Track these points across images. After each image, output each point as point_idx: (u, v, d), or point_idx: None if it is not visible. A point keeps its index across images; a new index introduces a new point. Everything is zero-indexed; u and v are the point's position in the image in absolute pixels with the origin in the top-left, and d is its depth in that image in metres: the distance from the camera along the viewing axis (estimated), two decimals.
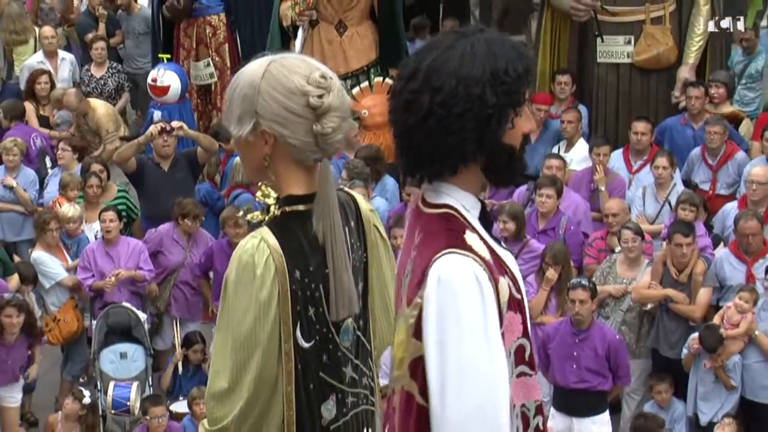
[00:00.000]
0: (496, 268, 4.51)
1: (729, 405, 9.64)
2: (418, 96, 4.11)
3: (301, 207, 4.71)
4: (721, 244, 10.49)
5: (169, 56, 13.19)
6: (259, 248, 4.69)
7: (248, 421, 4.73)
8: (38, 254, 11.22)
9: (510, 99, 4.30)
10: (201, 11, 13.16)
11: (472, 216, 4.57)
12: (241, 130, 4.61)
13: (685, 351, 9.79)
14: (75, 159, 12.21)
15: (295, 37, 12.30)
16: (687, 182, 11.37)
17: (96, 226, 11.42)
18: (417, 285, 4.30)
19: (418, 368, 4.34)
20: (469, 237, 4.58)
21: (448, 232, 4.74)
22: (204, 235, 11.15)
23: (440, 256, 4.27)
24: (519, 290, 4.68)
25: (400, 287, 4.53)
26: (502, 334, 4.51)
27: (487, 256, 4.53)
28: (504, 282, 4.52)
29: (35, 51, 15.23)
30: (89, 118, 12.93)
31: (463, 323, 4.37)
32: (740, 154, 11.38)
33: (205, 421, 4.84)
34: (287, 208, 4.76)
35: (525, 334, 4.59)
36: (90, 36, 14.70)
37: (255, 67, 4.69)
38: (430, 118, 4.13)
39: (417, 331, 4.30)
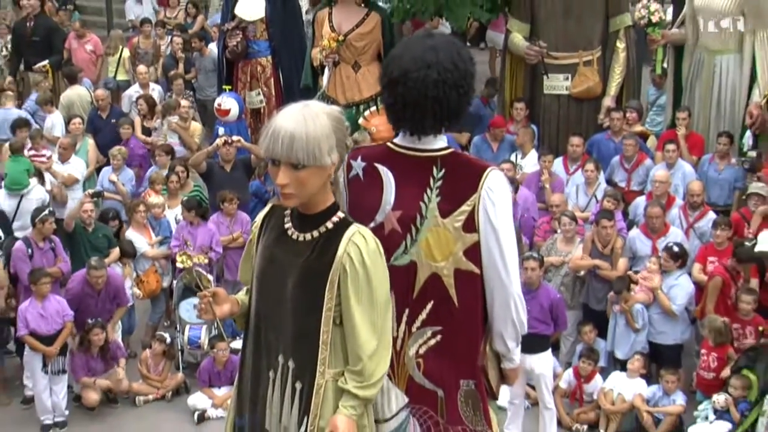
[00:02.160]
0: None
1: (638, 345, 9.55)
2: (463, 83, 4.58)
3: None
4: (634, 226, 10.34)
5: (230, 87, 13.07)
6: (373, 237, 4.60)
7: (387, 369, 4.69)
8: (129, 233, 11.08)
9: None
10: (253, 54, 13.00)
11: None
12: (332, 158, 4.47)
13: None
14: (168, 159, 11.98)
15: (323, 74, 12.24)
16: (609, 181, 11.26)
17: (175, 212, 11.27)
18: (462, 196, 4.59)
19: (473, 252, 4.62)
20: None
21: (476, 158, 5.62)
22: (241, 215, 11.06)
23: (491, 171, 4.61)
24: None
25: (410, 218, 4.69)
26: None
27: None
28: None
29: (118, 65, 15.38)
30: (189, 131, 12.81)
31: (510, 218, 4.79)
32: (648, 161, 11.28)
33: (353, 386, 4.61)
34: (341, 214, 4.69)
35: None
36: (172, 72, 14.58)
37: (317, 110, 4.54)
38: (464, 97, 4.62)
39: (467, 227, 4.59)
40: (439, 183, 4.67)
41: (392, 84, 4.67)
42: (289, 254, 4.75)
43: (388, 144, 4.86)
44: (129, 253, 10.67)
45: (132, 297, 10.58)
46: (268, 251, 4.84)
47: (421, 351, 4.81)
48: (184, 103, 12.58)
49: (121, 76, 15.60)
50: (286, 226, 4.80)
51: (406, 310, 4.78)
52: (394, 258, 4.75)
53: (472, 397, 4.89)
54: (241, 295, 4.99)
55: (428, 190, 4.68)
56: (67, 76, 13.97)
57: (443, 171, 4.68)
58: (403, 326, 4.80)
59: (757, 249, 9.36)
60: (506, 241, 4.66)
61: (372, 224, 4.80)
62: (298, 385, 4.72)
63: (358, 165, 4.84)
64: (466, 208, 4.62)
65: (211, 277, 10.51)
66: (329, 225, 4.68)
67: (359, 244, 4.61)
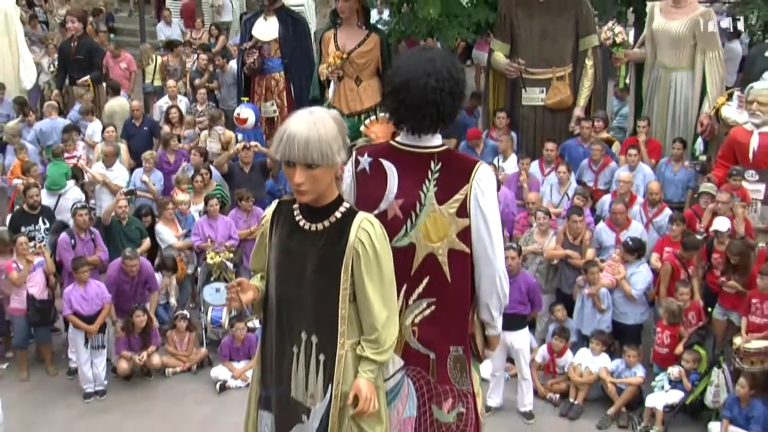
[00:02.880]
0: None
1: (603, 324, 9.58)
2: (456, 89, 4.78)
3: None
4: (601, 221, 10.35)
5: (247, 98, 13.06)
6: (378, 222, 4.75)
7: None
8: (158, 227, 11.12)
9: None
10: (268, 70, 12.96)
11: None
12: (341, 157, 4.58)
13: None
14: (202, 160, 11.97)
15: (329, 87, 12.19)
16: (579, 181, 11.25)
17: (199, 207, 11.31)
18: (456, 186, 4.78)
19: (465, 234, 4.80)
20: None
21: (466, 154, 5.81)
22: (257, 211, 10.99)
23: (480, 165, 4.83)
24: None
25: (410, 205, 4.85)
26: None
27: None
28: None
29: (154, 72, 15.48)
30: (223, 135, 12.82)
31: (496, 205, 4.96)
32: (613, 164, 11.28)
33: (370, 353, 4.74)
34: (347, 204, 4.80)
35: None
36: (197, 81, 14.64)
37: (324, 117, 4.65)
38: (458, 101, 4.81)
39: (460, 212, 4.77)
40: (437, 175, 4.81)
41: (396, 90, 4.79)
42: (305, 244, 4.80)
43: (391, 142, 4.98)
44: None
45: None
46: (284, 244, 4.89)
47: (417, 320, 4.94)
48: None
49: (158, 83, 15.76)
50: (297, 218, 4.86)
51: (405, 285, 4.89)
52: (395, 240, 4.86)
53: (460, 361, 5.01)
54: (258, 282, 5.04)
55: (426, 181, 4.81)
56: (111, 88, 14.03)
57: (440, 165, 4.82)
58: (401, 299, 4.91)
59: (712, 229, 9.52)
60: (493, 224, 4.82)
61: (376, 211, 4.91)
62: (321, 357, 4.80)
63: (365, 160, 4.96)
64: (459, 196, 4.77)
65: (232, 266, 10.59)
66: (338, 215, 4.76)
67: (368, 229, 4.70)
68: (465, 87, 4.94)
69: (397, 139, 4.95)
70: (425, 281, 4.90)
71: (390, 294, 4.77)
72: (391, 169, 4.91)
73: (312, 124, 4.61)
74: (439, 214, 4.81)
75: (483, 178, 4.80)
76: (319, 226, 4.79)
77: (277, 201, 5.07)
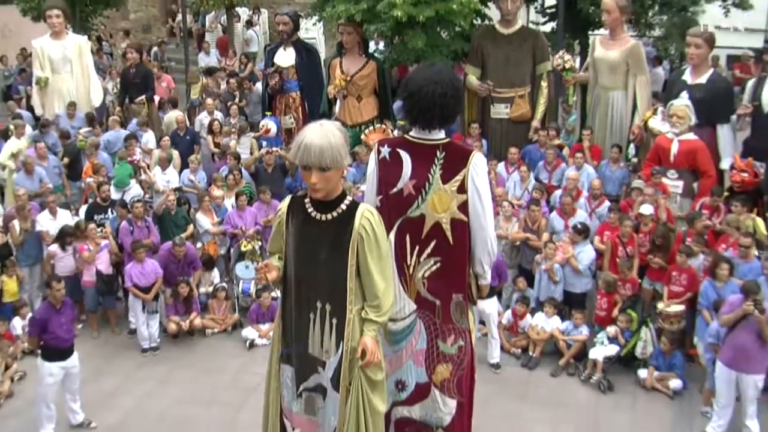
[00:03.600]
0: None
1: (556, 293, 9.57)
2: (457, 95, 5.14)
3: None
4: (554, 210, 10.32)
5: (270, 113, 13.01)
6: (376, 211, 4.86)
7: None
8: (198, 215, 11.08)
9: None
10: (287, 90, 12.89)
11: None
12: (347, 161, 4.74)
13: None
14: (236, 162, 11.89)
15: (335, 104, 12.30)
16: (537, 179, 11.19)
17: (231, 201, 11.20)
18: (456, 170, 5.06)
19: (464, 207, 5.06)
20: None
21: (465, 145, 6.11)
22: (275, 203, 10.76)
23: (475, 153, 5.14)
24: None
25: (418, 189, 5.12)
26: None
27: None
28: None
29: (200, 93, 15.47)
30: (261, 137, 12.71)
31: (488, 183, 5.22)
32: (563, 165, 11.22)
33: (373, 316, 4.84)
34: (350, 197, 4.87)
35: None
36: (230, 103, 14.46)
37: (332, 128, 4.73)
38: (458, 104, 5.14)
39: (460, 190, 5.05)
40: (441, 161, 5.08)
41: (411, 96, 5.05)
42: (317, 231, 4.85)
43: (405, 136, 5.25)
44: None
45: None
46: (299, 232, 4.92)
47: (426, 274, 5.19)
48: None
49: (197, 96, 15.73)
50: (309, 210, 4.89)
51: (417, 247, 5.17)
52: (409, 212, 5.15)
53: (460, 305, 5.27)
54: (277, 263, 5.05)
55: (434, 166, 5.09)
56: (171, 102, 14.04)
57: (444, 153, 5.09)
58: (414, 257, 5.18)
59: (638, 212, 9.56)
60: (486, 199, 5.10)
61: (394, 189, 5.17)
62: (334, 321, 4.87)
63: (386, 150, 5.22)
64: (459, 177, 5.05)
65: (258, 251, 10.51)
66: (343, 207, 4.81)
67: (369, 218, 4.77)
68: (463, 93, 5.35)
69: (411, 133, 5.22)
70: (432, 244, 5.15)
71: (387, 268, 4.85)
72: (405, 157, 5.15)
73: (324, 135, 4.65)
74: (443, 191, 5.07)
75: (478, 162, 5.07)
76: (329, 216, 4.83)
77: (290, 196, 5.09)
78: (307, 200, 4.91)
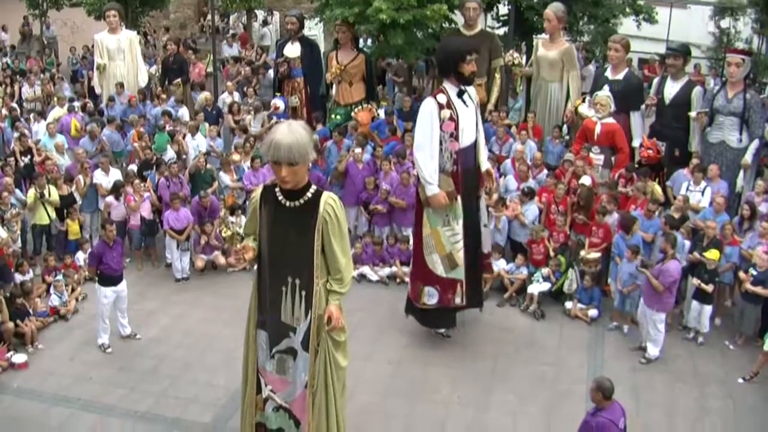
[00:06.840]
0: (445, 107, 6.58)
1: (502, 241, 9.41)
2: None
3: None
4: (503, 176, 10.19)
5: (279, 93, 12.68)
6: (336, 197, 4.63)
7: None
8: (220, 174, 10.76)
9: (460, 56, 6.34)
10: (293, 76, 12.51)
11: (451, 90, 6.66)
12: (312, 156, 4.43)
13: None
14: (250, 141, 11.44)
15: (332, 87, 12.08)
16: (490, 150, 10.77)
17: (247, 163, 10.86)
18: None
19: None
20: (440, 95, 6.65)
21: (434, 91, 6.84)
22: None
23: (471, 89, 6.57)
24: (456, 117, 6.66)
25: None
26: (441, 129, 6.55)
27: (444, 102, 6.59)
28: (446, 111, 6.56)
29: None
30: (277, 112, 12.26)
31: (421, 120, 6.32)
32: (511, 140, 11.03)
33: (336, 287, 4.62)
34: (314, 187, 4.59)
35: (455, 134, 6.64)
36: (245, 88, 14.03)
37: (299, 128, 4.41)
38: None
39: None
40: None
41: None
42: (287, 216, 4.59)
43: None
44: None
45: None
46: (271, 217, 4.65)
47: None
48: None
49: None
50: (279, 198, 4.63)
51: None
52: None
53: None
54: (252, 243, 4.77)
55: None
56: (200, 85, 13.74)
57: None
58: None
59: (579, 182, 9.37)
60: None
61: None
62: (303, 293, 4.68)
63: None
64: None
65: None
66: (309, 195, 4.58)
67: (332, 204, 4.55)
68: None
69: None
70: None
71: (346, 246, 4.67)
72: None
73: (292, 134, 4.38)
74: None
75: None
76: (296, 203, 4.61)
77: (262, 185, 4.84)
78: (277, 189, 4.67)
